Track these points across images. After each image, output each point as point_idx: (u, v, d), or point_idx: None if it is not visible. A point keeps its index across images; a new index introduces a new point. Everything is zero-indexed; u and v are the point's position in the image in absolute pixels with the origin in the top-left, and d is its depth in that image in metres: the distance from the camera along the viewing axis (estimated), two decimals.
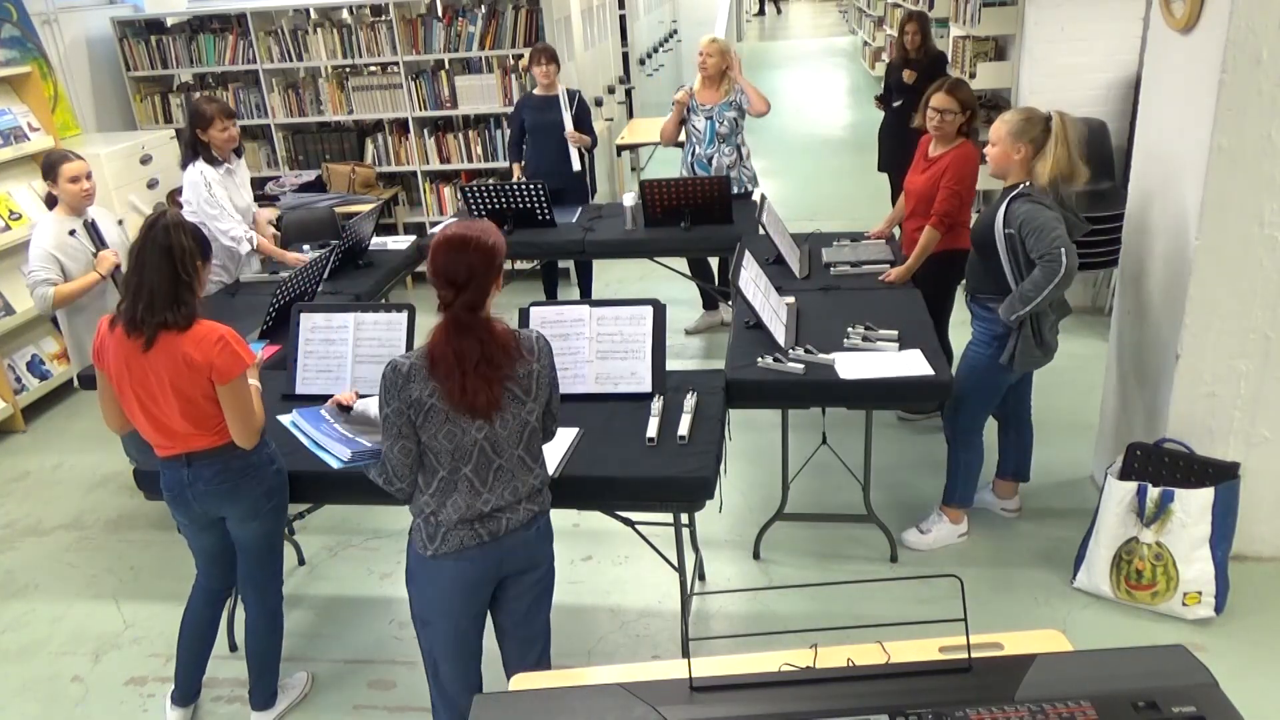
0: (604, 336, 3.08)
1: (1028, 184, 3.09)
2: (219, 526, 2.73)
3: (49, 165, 3.67)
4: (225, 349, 2.45)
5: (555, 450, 2.73)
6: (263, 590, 2.82)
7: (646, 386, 3.02)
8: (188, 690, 2.96)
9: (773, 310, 3.40)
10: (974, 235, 3.28)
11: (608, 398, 3.03)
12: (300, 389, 3.20)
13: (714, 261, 5.45)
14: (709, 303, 5.70)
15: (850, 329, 3.37)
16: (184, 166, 4.27)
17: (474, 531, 2.21)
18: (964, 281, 3.45)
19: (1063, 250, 2.97)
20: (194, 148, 4.20)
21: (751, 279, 3.39)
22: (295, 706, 3.00)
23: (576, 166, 5.40)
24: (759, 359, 3.22)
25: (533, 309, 3.13)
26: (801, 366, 3.16)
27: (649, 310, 3.07)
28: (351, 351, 3.20)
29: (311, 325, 3.25)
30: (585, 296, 5.98)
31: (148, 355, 2.44)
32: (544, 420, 2.31)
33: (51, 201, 3.81)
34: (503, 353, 2.13)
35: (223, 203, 4.21)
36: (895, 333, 3.33)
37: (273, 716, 2.94)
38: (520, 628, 2.40)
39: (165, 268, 2.41)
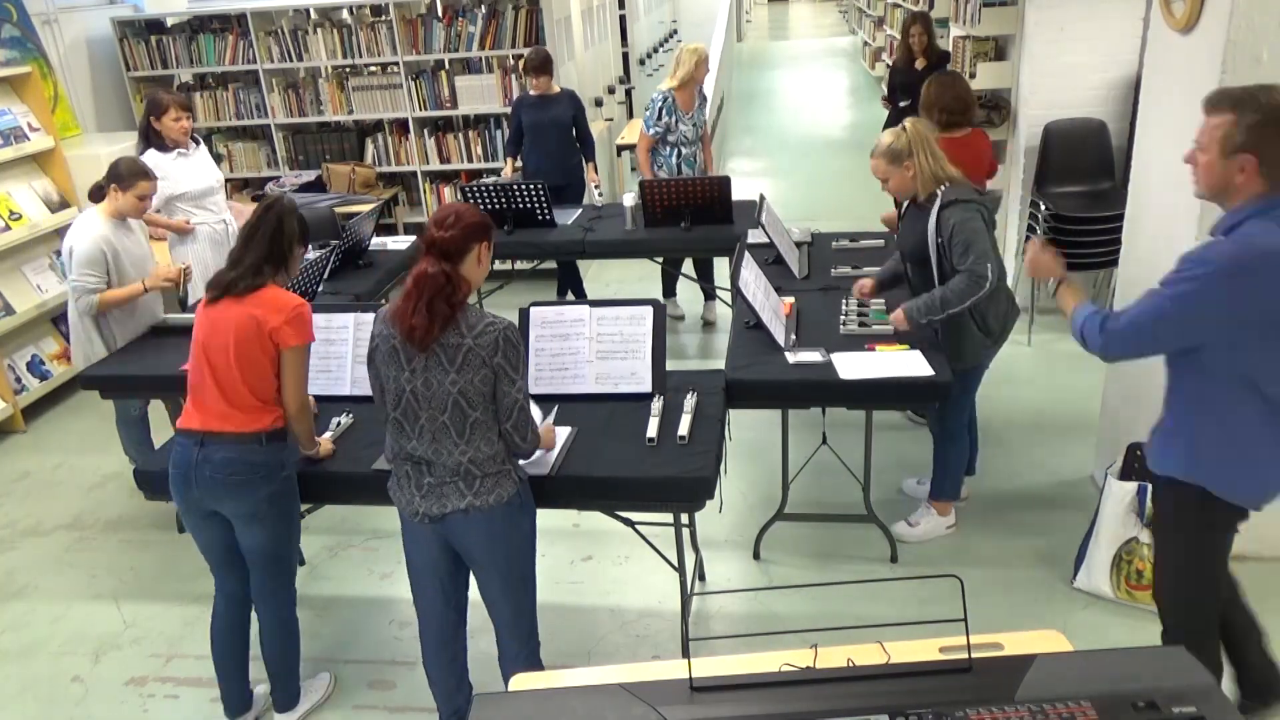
0: (604, 336, 3.08)
1: (944, 187, 3.14)
2: (218, 522, 2.69)
3: (131, 174, 3.61)
4: (299, 316, 2.59)
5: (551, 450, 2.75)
6: (273, 599, 2.79)
7: (646, 386, 3.02)
8: (232, 702, 2.92)
9: (772, 310, 3.40)
10: (909, 252, 3.32)
11: (608, 398, 3.03)
12: None
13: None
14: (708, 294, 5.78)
15: (844, 309, 3.53)
16: (139, 154, 4.33)
17: (410, 480, 2.39)
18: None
19: (989, 266, 3.05)
20: (146, 135, 4.34)
21: (751, 279, 3.39)
22: (319, 707, 2.99)
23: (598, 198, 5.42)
24: (843, 321, 3.43)
25: (533, 309, 3.13)
26: (890, 328, 3.31)
27: (649, 310, 3.07)
28: (351, 352, 3.20)
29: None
30: (560, 296, 6.00)
31: (218, 312, 2.56)
32: (492, 410, 2.33)
33: (94, 197, 3.76)
34: (449, 305, 2.24)
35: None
36: (882, 302, 3.51)
37: (296, 716, 2.93)
38: (488, 605, 2.56)
39: (265, 246, 2.59)
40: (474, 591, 2.57)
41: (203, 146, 4.53)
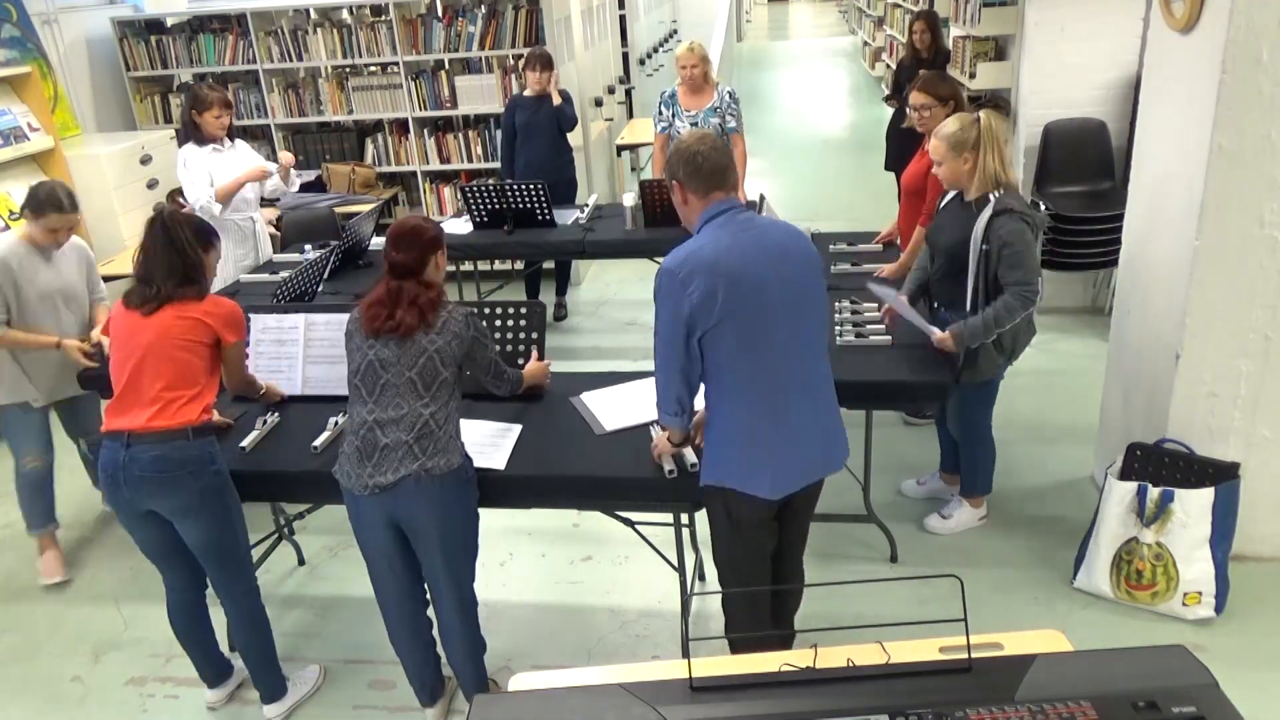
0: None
1: (999, 193, 3.03)
2: (153, 521, 2.67)
3: (47, 204, 3.34)
4: (236, 316, 2.77)
5: (504, 445, 2.80)
6: (231, 593, 2.80)
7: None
8: (209, 672, 2.95)
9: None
10: (946, 247, 3.20)
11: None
12: None
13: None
14: None
15: (838, 319, 3.46)
16: (179, 146, 4.39)
17: (360, 453, 2.47)
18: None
19: (1040, 281, 3.02)
20: (186, 128, 4.34)
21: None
22: (308, 699, 3.01)
23: None
24: (838, 333, 3.35)
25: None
26: (888, 338, 3.31)
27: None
28: (302, 352, 3.21)
29: (262, 326, 3.26)
30: (561, 295, 6.04)
31: (148, 319, 2.61)
32: (455, 374, 2.54)
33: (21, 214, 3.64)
34: (419, 315, 2.47)
35: (196, 175, 4.29)
36: (876, 307, 3.46)
37: (284, 708, 2.95)
38: (431, 589, 2.67)
39: (170, 255, 2.64)
40: None
41: (240, 144, 4.50)
